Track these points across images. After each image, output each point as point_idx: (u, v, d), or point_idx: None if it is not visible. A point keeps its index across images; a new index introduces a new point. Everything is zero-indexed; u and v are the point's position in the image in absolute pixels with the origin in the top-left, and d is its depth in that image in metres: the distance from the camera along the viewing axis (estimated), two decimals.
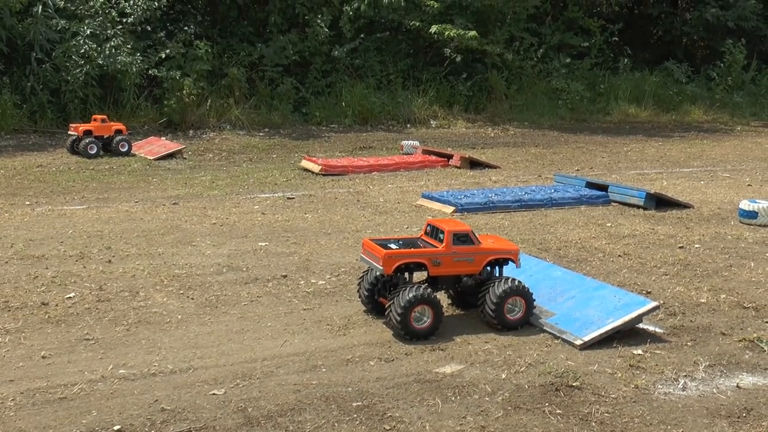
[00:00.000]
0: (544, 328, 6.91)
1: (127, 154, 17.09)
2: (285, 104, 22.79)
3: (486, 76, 25.85)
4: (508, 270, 7.19)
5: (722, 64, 29.84)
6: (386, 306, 6.74)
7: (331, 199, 12.77)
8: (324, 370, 6.03)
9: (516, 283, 6.90)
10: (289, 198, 12.79)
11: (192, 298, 7.64)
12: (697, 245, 9.95)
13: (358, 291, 7.34)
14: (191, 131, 20.64)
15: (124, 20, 21.41)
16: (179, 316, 7.13)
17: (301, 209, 11.94)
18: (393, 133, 21.95)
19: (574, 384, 5.83)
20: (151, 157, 16.73)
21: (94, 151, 16.80)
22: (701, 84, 29.73)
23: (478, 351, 6.44)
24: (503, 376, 5.97)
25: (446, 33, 24.12)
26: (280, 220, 11.15)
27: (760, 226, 10.98)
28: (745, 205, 11.24)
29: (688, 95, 28.58)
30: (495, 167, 16.20)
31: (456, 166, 15.99)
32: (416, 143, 18.14)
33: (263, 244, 9.74)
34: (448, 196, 12.04)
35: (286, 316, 7.20)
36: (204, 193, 13.20)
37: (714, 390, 5.82)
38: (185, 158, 17.08)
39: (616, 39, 30.24)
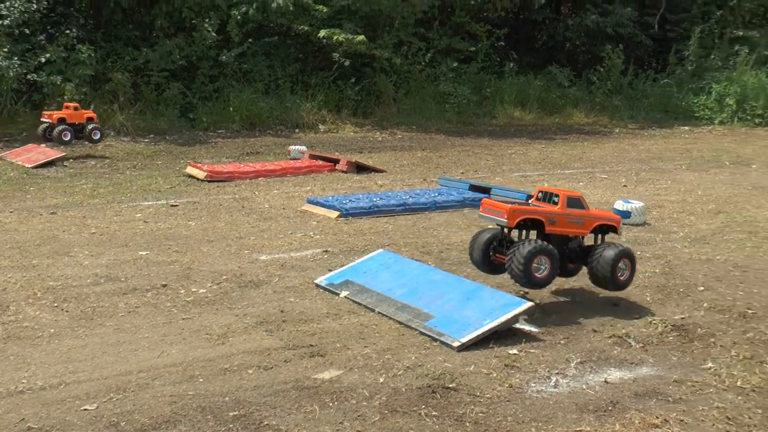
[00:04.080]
0: (423, 330, 7.01)
1: (99, 141, 18.09)
2: (171, 109, 22.38)
3: (374, 80, 26.00)
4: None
5: (602, 69, 30.81)
6: (506, 259, 7.46)
7: (216, 205, 12.62)
8: (201, 380, 5.97)
9: (624, 246, 7.70)
10: (172, 205, 12.57)
11: (66, 311, 7.43)
12: None
13: (470, 255, 8.03)
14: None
15: (0, 23, 20.65)
16: (52, 330, 6.92)
17: (185, 216, 11.76)
18: (281, 138, 21.83)
19: (450, 385, 5.94)
20: (29, 165, 16.17)
21: (68, 138, 17.51)
22: (583, 88, 30.61)
23: (357, 356, 6.48)
24: (381, 380, 6.03)
25: (335, 37, 24.17)
26: (163, 228, 10.96)
27: (633, 225, 11.39)
28: (620, 205, 11.65)
29: (570, 98, 29.41)
30: (381, 171, 16.30)
31: (343, 171, 16.02)
32: (303, 148, 18.08)
33: (144, 253, 9.55)
34: (333, 201, 12.06)
35: (164, 327, 7.09)
36: (84, 202, 12.85)
37: (584, 386, 6.02)
38: (66, 166, 16.57)
39: (502, 44, 30.88)
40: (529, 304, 7.13)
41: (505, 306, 7.09)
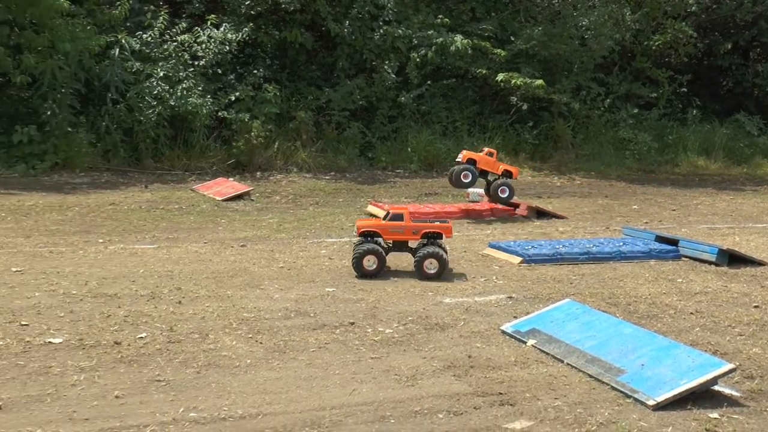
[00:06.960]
0: (615, 385, 6.77)
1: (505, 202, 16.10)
2: (351, 148, 22.98)
3: (552, 124, 25.76)
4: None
5: None
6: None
7: None
8: (393, 421, 5.98)
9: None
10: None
11: (260, 343, 7.68)
12: None
13: None
14: (258, 173, 20.93)
15: (196, 63, 21.95)
16: (248, 360, 7.16)
17: None
18: None
19: None
20: (220, 198, 16.98)
21: (467, 180, 15.87)
22: None
23: (548, 407, 6.32)
24: None
25: (513, 81, 24.13)
26: (347, 265, 11.14)
27: None
28: None
29: (760, 148, 28.05)
30: (562, 217, 16.05)
31: (523, 216, 15.89)
32: (482, 191, 18.05)
33: (330, 289, 9.77)
34: (515, 247, 11.94)
35: (354, 365, 7.18)
36: (271, 236, 13.32)
37: None
38: (253, 200, 17.29)
39: (685, 90, 29.94)
40: (730, 366, 6.74)
41: (703, 366, 6.75)
